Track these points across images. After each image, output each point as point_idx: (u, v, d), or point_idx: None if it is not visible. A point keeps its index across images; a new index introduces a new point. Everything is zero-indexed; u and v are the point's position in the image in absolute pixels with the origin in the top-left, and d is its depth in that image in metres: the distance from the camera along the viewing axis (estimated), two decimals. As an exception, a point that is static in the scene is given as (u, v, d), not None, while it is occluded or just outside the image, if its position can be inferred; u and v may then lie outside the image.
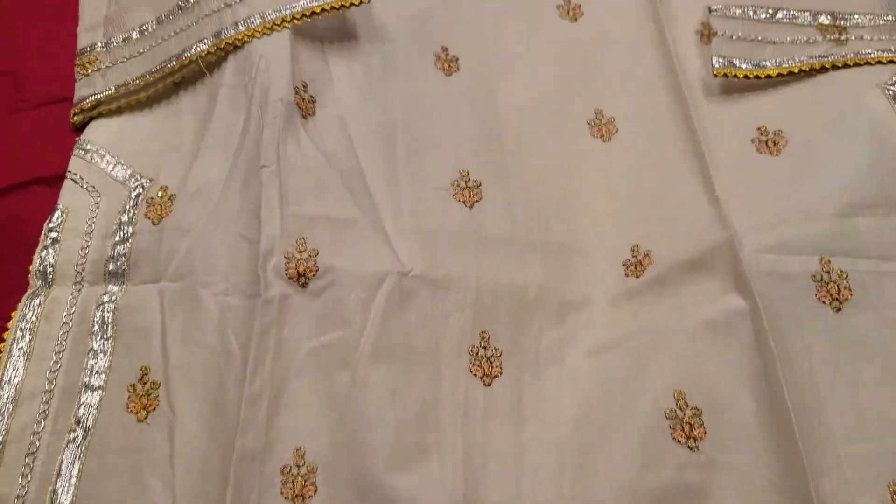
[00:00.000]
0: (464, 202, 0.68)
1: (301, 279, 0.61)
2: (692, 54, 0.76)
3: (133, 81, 0.72)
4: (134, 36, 0.75)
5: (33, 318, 0.61)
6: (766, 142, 0.69)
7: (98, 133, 0.71)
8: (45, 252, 0.64)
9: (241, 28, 0.70)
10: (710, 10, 0.75)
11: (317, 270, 0.61)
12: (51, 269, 0.63)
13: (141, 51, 0.74)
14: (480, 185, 0.69)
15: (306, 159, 0.65)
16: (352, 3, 0.72)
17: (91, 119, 0.73)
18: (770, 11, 0.75)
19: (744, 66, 0.71)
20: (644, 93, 0.75)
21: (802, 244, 0.62)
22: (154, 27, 0.75)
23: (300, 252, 0.61)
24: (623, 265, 0.66)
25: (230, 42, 0.70)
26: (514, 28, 0.79)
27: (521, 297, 0.64)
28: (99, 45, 0.76)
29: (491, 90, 0.75)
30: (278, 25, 0.71)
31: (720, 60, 0.72)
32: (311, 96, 0.70)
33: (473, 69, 0.76)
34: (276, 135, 0.65)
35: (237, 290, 0.61)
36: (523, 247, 0.66)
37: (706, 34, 0.77)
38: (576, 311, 0.65)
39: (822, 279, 0.60)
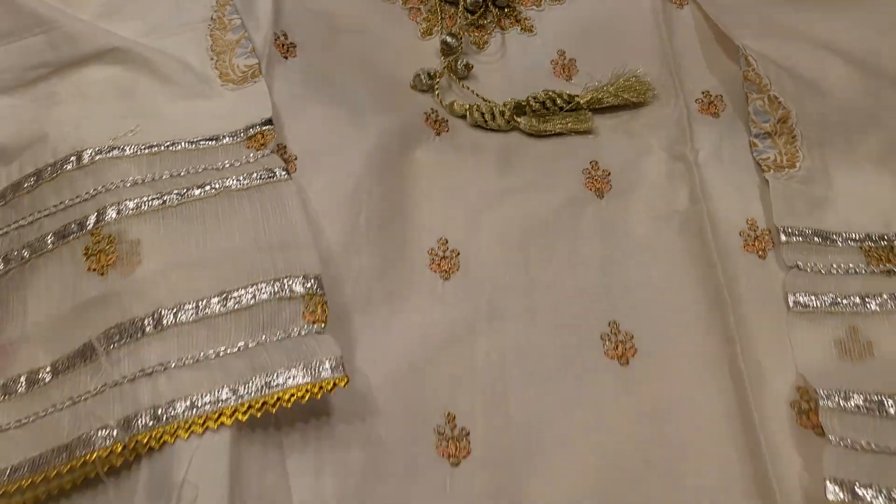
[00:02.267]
0: None
1: None
2: (787, 443, 0.55)
3: (5, 478, 0.49)
4: (20, 388, 0.53)
5: None
6: None
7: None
8: None
9: (161, 422, 0.48)
10: (817, 393, 0.53)
11: None
12: None
13: (23, 419, 0.52)
14: None
15: None
16: (321, 388, 0.50)
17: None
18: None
19: (872, 499, 0.49)
20: (722, 497, 0.52)
21: None
22: (48, 378, 0.52)
23: None
24: None
25: (143, 442, 0.47)
26: (546, 374, 0.57)
27: None
28: (-29, 398, 0.53)
29: (513, 487, 0.53)
30: (215, 421, 0.48)
31: (835, 491, 0.50)
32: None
33: (491, 450, 0.55)
34: None
35: None
36: None
37: (804, 411, 0.56)
38: None
39: None
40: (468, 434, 0.55)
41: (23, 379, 0.54)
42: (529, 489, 0.54)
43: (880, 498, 0.50)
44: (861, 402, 0.54)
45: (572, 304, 0.62)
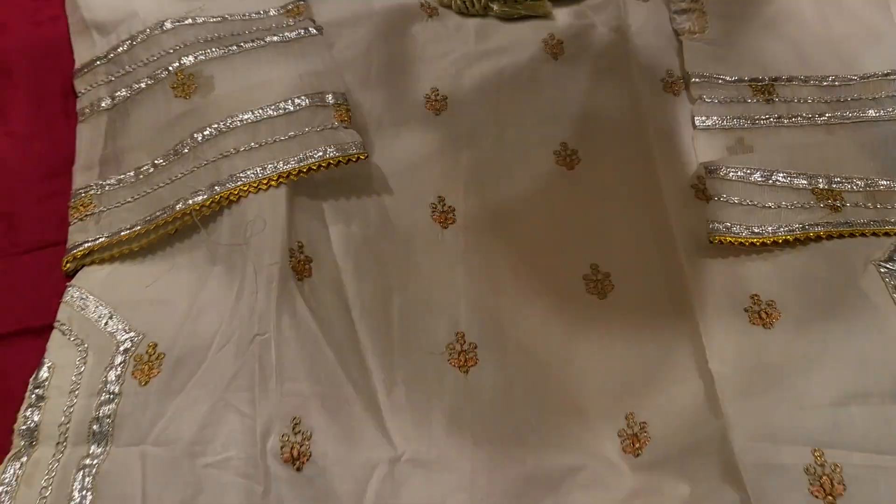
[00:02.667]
0: (459, 367, 0.68)
1: (296, 463, 0.60)
2: (687, 209, 0.76)
3: (125, 232, 0.71)
4: (129, 179, 0.74)
5: (13, 482, 0.60)
6: (760, 313, 0.69)
7: (89, 279, 0.70)
8: (29, 411, 0.63)
9: (238, 182, 0.70)
10: (707, 171, 0.75)
11: (310, 455, 0.60)
12: (35, 430, 0.62)
13: (135, 196, 0.73)
14: (476, 347, 0.69)
15: (301, 331, 0.64)
16: (349, 159, 0.72)
17: (83, 265, 0.72)
18: (766, 173, 0.75)
19: (740, 232, 0.71)
20: (638, 246, 0.75)
21: (795, 434, 0.62)
22: (150, 170, 0.74)
23: (295, 434, 0.61)
24: (619, 436, 0.66)
25: (225, 196, 0.69)
26: (511, 175, 0.79)
27: (517, 470, 0.64)
28: (94, 186, 0.75)
29: (487, 243, 0.74)
30: (275, 181, 0.70)
31: (715, 226, 0.72)
32: (308, 257, 0.69)
33: (470, 220, 0.76)
34: (271, 302, 0.65)
35: (227, 466, 0.60)
36: (518, 419, 0.66)
37: (701, 190, 0.77)
38: (572, 476, 0.64)
39: (815, 472, 0.60)
40: (454, 210, 0.77)
41: (131, 173, 0.76)
42: (497, 246, 0.75)
43: (746, 232, 0.72)
44: (737, 174, 0.76)
45: (532, 132, 0.83)
